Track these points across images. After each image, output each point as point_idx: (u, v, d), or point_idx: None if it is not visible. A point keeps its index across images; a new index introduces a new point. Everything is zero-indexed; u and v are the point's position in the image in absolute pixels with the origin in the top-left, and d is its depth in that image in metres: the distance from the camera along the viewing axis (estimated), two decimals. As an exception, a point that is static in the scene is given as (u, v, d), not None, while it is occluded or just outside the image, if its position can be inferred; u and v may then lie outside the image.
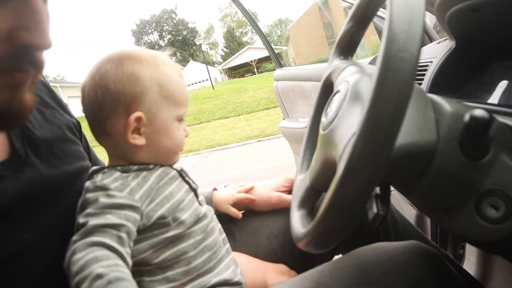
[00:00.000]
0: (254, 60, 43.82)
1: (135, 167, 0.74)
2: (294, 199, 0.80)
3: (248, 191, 0.99)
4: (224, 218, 1.01)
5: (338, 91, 0.70)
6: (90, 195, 0.66)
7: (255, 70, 43.66)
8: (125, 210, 0.66)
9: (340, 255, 0.91)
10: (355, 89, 0.64)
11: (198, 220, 0.76)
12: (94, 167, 0.76)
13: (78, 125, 0.87)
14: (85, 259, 0.55)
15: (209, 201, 0.93)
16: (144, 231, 0.70)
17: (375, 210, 0.58)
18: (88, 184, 0.69)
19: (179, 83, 0.76)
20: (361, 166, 0.45)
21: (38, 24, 0.50)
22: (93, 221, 0.62)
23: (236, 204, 0.98)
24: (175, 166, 0.83)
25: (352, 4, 1.55)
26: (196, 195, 0.80)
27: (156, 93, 0.72)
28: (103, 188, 0.67)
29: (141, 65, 0.72)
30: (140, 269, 0.71)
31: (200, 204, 0.80)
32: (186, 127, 0.80)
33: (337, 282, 0.67)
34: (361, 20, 0.77)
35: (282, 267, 0.91)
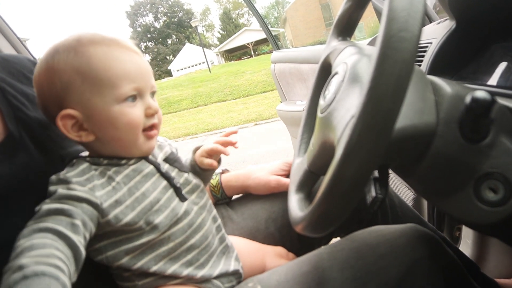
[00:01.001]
0: (251, 43, 43.40)
1: (105, 161, 0.69)
2: (292, 183, 0.79)
3: (228, 134, 0.87)
4: (222, 202, 1.01)
5: (336, 73, 0.68)
6: (51, 188, 0.63)
7: (252, 52, 43.28)
8: (83, 203, 0.62)
9: (338, 238, 0.91)
10: (354, 70, 0.63)
11: (177, 220, 0.71)
12: (71, 157, 0.72)
13: None
14: (22, 246, 0.51)
15: (193, 165, 0.84)
16: (113, 234, 0.67)
17: (373, 193, 0.58)
18: (53, 177, 0.65)
19: (108, 61, 0.64)
20: (360, 148, 0.45)
21: None
22: (46, 206, 0.59)
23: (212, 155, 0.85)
24: (161, 153, 0.78)
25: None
26: (177, 190, 0.74)
27: (78, 83, 0.63)
28: (65, 182, 0.64)
29: (57, 56, 0.64)
30: (127, 275, 0.70)
31: (182, 199, 0.74)
32: (151, 102, 0.69)
33: (334, 265, 0.67)
34: (359, 0, 0.75)
35: (280, 249, 0.91)
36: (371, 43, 1.32)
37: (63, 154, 0.74)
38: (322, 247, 0.76)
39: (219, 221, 0.83)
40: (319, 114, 0.69)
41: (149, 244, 0.69)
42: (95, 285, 0.72)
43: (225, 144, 0.83)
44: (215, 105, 11.75)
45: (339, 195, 0.50)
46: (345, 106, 0.59)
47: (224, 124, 8.00)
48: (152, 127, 0.71)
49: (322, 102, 0.69)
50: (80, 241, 0.57)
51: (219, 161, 0.86)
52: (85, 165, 0.68)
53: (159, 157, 0.78)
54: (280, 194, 0.96)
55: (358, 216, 0.92)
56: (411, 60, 0.40)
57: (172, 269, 0.71)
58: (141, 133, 0.69)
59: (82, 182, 0.65)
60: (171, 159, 0.79)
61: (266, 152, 4.70)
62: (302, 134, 0.88)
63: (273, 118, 7.08)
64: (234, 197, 1.05)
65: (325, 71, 0.83)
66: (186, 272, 0.72)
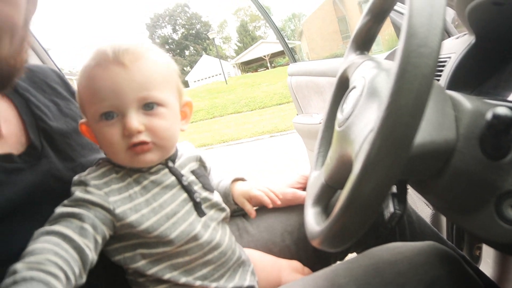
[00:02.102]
0: (268, 55, 43.66)
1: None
2: (309, 196, 0.79)
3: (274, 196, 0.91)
4: (238, 213, 1.01)
5: (354, 87, 0.68)
6: (72, 188, 0.67)
7: (268, 64, 43.51)
8: (96, 207, 0.64)
9: (354, 254, 0.90)
10: (372, 84, 0.63)
11: (195, 236, 0.71)
12: (99, 158, 0.76)
13: None
14: (26, 250, 0.54)
15: (227, 194, 0.89)
16: (133, 237, 0.68)
17: (391, 209, 0.57)
18: (75, 177, 0.68)
19: (88, 80, 0.67)
20: (378, 163, 0.45)
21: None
22: (60, 209, 0.62)
23: (252, 200, 0.94)
24: (189, 165, 0.79)
25: (368, -2, 1.51)
26: (196, 204, 0.74)
27: (80, 98, 0.71)
28: (83, 183, 0.66)
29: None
30: (142, 280, 0.71)
31: (200, 214, 0.74)
32: (127, 121, 0.65)
33: (351, 281, 0.66)
34: (378, 14, 0.76)
35: (296, 263, 0.90)
36: (389, 57, 1.32)
37: (83, 162, 0.76)
38: (338, 262, 0.75)
39: (233, 238, 0.83)
40: (336, 128, 0.69)
41: (165, 254, 0.70)
42: None
43: (270, 199, 0.87)
44: (231, 116, 11.82)
45: (357, 210, 0.49)
46: (363, 121, 0.59)
47: (240, 136, 8.02)
48: (137, 144, 0.67)
49: (339, 116, 0.69)
50: (87, 244, 0.59)
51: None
52: (107, 167, 0.70)
53: (186, 167, 0.78)
54: (296, 207, 0.96)
55: (375, 232, 0.90)
56: (430, 76, 0.40)
57: (186, 279, 0.71)
58: (124, 151, 0.67)
59: (100, 185, 0.67)
60: (197, 173, 0.79)
61: (282, 164, 4.69)
62: (319, 147, 0.88)
63: (289, 130, 7.07)
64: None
65: (343, 85, 0.83)
66: (199, 283, 0.72)
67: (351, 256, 0.79)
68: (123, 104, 0.65)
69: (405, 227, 0.93)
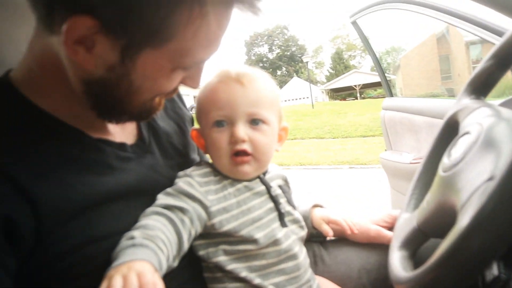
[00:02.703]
0: (358, 85, 42.91)
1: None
2: (396, 238, 0.75)
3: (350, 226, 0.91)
4: (316, 239, 0.99)
5: (467, 133, 0.65)
6: (176, 180, 0.75)
7: (358, 95, 42.71)
8: (195, 203, 0.71)
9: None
10: (489, 133, 0.58)
11: (275, 242, 0.75)
12: (200, 161, 0.84)
13: (192, 120, 0.95)
14: (140, 223, 0.63)
15: (306, 217, 0.91)
16: (218, 235, 0.74)
17: (495, 272, 0.52)
18: (180, 172, 0.77)
19: (209, 92, 0.79)
20: (494, 218, 0.41)
21: (199, 76, 0.68)
22: (166, 200, 0.69)
23: (330, 224, 0.93)
24: (276, 180, 0.83)
25: (479, 37, 1.42)
26: (281, 215, 0.79)
27: (198, 107, 0.82)
28: (189, 176, 0.75)
29: None
30: (220, 276, 0.74)
31: (283, 224, 0.78)
32: (235, 130, 0.76)
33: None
34: (503, 60, 0.71)
35: (369, 306, 0.86)
36: (505, 104, 1.22)
37: (181, 162, 0.82)
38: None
39: (308, 260, 0.83)
40: (440, 173, 0.65)
41: (245, 253, 0.74)
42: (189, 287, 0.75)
43: (349, 225, 0.88)
44: (313, 140, 11.76)
45: (459, 265, 0.46)
46: (476, 170, 0.55)
47: (319, 161, 7.92)
48: (240, 153, 0.75)
49: (446, 161, 0.65)
50: (185, 235, 0.67)
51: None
52: (208, 169, 0.78)
53: (274, 182, 0.83)
54: (378, 246, 0.91)
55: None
56: None
57: (260, 281, 0.73)
58: (228, 157, 0.76)
59: (201, 183, 0.75)
60: (283, 189, 0.83)
61: (359, 199, 4.52)
62: (414, 189, 0.83)
63: (370, 164, 6.81)
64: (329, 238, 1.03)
65: (451, 129, 0.79)
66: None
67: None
68: (235, 115, 0.75)
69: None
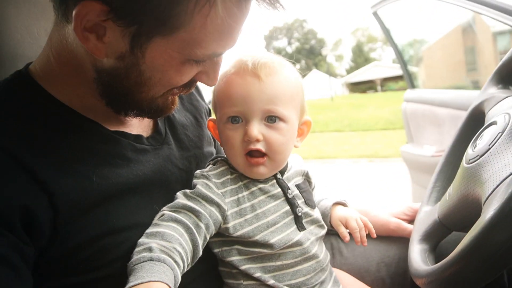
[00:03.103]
0: (379, 78, 42.16)
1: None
2: (416, 231, 0.74)
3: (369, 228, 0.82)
4: (334, 232, 0.98)
5: (493, 123, 0.62)
6: (194, 181, 0.73)
7: (379, 87, 42.01)
8: (213, 206, 0.69)
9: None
10: (518, 123, 0.56)
11: (291, 246, 0.72)
12: (217, 155, 0.81)
13: (209, 113, 0.94)
14: (157, 229, 0.62)
15: (326, 215, 0.85)
16: (229, 240, 0.72)
17: (522, 266, 0.50)
18: (197, 171, 0.75)
19: (224, 86, 0.74)
20: (522, 212, 0.39)
21: (216, 72, 0.67)
22: (184, 201, 0.68)
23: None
24: (295, 178, 0.80)
25: (508, 26, 1.37)
26: (297, 218, 0.75)
27: (214, 99, 0.79)
28: (206, 178, 0.72)
29: None
30: (234, 272, 0.73)
31: (300, 228, 0.74)
32: (249, 128, 0.71)
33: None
34: (534, 47, 0.68)
35: (388, 299, 0.84)
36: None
37: (197, 154, 0.81)
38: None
39: (329, 257, 0.81)
40: (464, 164, 0.63)
41: (260, 254, 0.72)
42: (205, 279, 0.75)
43: (361, 236, 0.79)
44: (331, 134, 11.64)
45: (482, 259, 0.44)
46: (502, 161, 0.52)
47: (337, 155, 7.85)
48: (254, 153, 0.71)
49: (470, 152, 0.63)
50: (200, 242, 0.66)
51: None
52: (224, 167, 0.75)
53: (293, 181, 0.80)
54: (398, 239, 0.90)
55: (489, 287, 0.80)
56: None
57: (274, 282, 0.71)
58: (242, 155, 0.72)
59: (218, 184, 0.72)
60: (301, 188, 0.80)
61: (376, 188, 4.46)
62: (435, 181, 0.81)
63: (390, 158, 6.70)
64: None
65: (476, 119, 0.76)
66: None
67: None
68: (250, 112, 0.71)
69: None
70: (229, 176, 0.74)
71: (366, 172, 5.91)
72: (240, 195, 0.73)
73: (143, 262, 0.56)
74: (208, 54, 0.60)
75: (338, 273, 0.85)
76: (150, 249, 0.58)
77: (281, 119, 0.72)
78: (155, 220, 0.64)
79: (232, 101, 0.72)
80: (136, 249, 0.59)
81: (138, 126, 0.74)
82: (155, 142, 0.74)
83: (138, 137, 0.71)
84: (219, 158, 0.78)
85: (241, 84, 0.71)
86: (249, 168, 0.73)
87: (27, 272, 0.53)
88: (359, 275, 0.89)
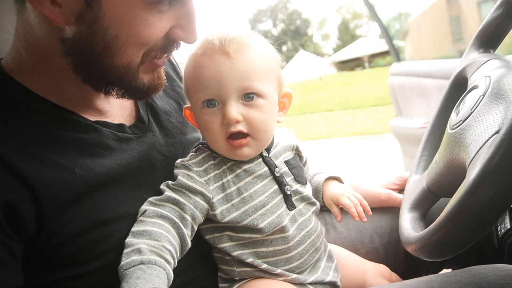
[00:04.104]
0: (367, 55, 42.06)
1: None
2: (406, 200, 0.74)
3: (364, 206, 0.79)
4: (327, 209, 0.99)
5: (475, 87, 0.62)
6: (175, 171, 0.71)
7: (367, 64, 41.95)
8: (197, 196, 0.68)
9: (450, 270, 0.83)
10: (499, 84, 0.56)
11: (282, 229, 0.71)
12: (198, 142, 0.78)
13: None
14: (143, 227, 0.61)
15: (318, 190, 0.84)
16: (220, 226, 0.71)
17: (508, 225, 0.51)
18: (178, 161, 0.73)
19: (194, 69, 0.71)
20: (503, 169, 0.40)
21: (191, 24, 0.62)
22: (168, 193, 0.67)
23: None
24: (284, 154, 0.77)
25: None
26: (286, 197, 0.73)
27: (186, 84, 0.76)
28: (187, 168, 0.70)
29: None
30: (228, 259, 0.73)
31: (290, 207, 0.73)
32: (226, 111, 0.67)
33: (446, 296, 0.61)
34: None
35: (383, 268, 0.85)
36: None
37: (182, 140, 0.81)
38: (432, 275, 0.69)
39: (324, 232, 0.81)
40: (448, 130, 0.63)
41: (252, 239, 0.71)
42: (199, 266, 0.75)
43: (358, 213, 0.77)
44: (323, 114, 11.66)
45: (468, 219, 0.45)
46: (484, 123, 0.53)
47: (330, 134, 7.88)
48: (235, 135, 0.68)
49: (454, 118, 0.63)
50: (187, 234, 0.65)
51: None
52: (206, 153, 0.73)
53: (281, 157, 0.77)
54: (390, 209, 0.91)
55: (479, 250, 0.82)
56: None
57: (266, 266, 0.72)
58: (223, 139, 0.69)
59: (200, 172, 0.70)
60: (291, 164, 0.78)
61: (371, 170, 4.50)
62: (423, 150, 0.82)
63: (382, 134, 6.74)
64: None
65: (459, 85, 0.76)
66: (279, 271, 0.72)
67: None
68: (225, 93, 0.67)
69: (517, 250, 0.83)
70: (211, 162, 0.72)
71: (359, 150, 5.95)
72: (224, 180, 0.71)
73: (134, 266, 0.55)
74: None
75: (333, 247, 0.86)
76: (139, 251, 0.57)
77: (259, 95, 0.69)
78: (140, 217, 0.63)
79: (203, 84, 0.68)
80: (125, 251, 0.58)
81: (120, 115, 0.73)
82: (138, 130, 0.73)
83: (120, 126, 0.70)
84: (200, 145, 0.76)
85: (210, 65, 0.67)
86: (232, 151, 0.70)
87: (17, 268, 0.52)
88: (354, 248, 0.90)
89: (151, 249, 0.58)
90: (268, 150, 0.76)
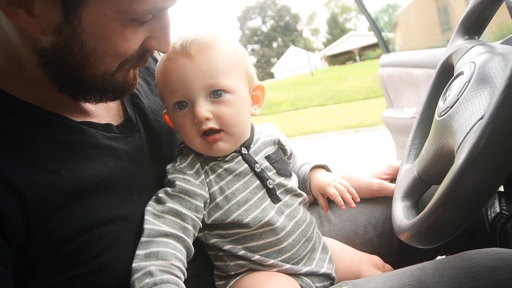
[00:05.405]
0: (357, 48, 42.19)
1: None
2: (398, 189, 0.75)
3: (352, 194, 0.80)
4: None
5: (461, 73, 0.62)
6: (170, 177, 0.71)
7: (358, 57, 42.07)
8: (197, 199, 0.69)
9: (444, 256, 0.83)
10: (483, 70, 0.56)
11: (268, 222, 0.72)
12: (180, 143, 0.78)
13: None
14: (150, 249, 0.61)
15: (305, 181, 0.85)
16: (209, 224, 0.72)
17: (497, 209, 0.52)
18: (168, 166, 0.73)
19: (159, 74, 0.73)
20: (488, 153, 0.40)
21: (165, 35, 0.63)
22: (170, 204, 0.67)
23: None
24: (264, 150, 0.78)
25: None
26: (269, 191, 0.74)
27: (158, 90, 0.78)
28: (181, 172, 0.71)
29: None
30: (221, 254, 0.74)
31: (274, 201, 0.74)
32: (196, 110, 0.69)
33: (440, 282, 0.61)
34: (495, -6, 0.68)
35: (376, 259, 0.86)
36: (507, 42, 1.18)
37: (169, 139, 0.80)
38: (426, 262, 0.70)
39: (315, 222, 0.82)
40: (436, 118, 0.64)
41: (241, 235, 0.72)
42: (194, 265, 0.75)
43: (345, 200, 0.78)
44: (315, 109, 11.68)
45: (458, 204, 0.45)
46: (470, 109, 0.53)
47: (323, 129, 7.90)
48: (208, 132, 0.70)
49: (441, 105, 0.63)
50: (191, 242, 0.67)
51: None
52: (192, 155, 0.74)
53: (261, 153, 0.78)
54: (382, 199, 0.91)
55: (471, 235, 0.83)
56: None
57: (259, 257, 0.72)
58: (198, 138, 0.70)
59: (194, 175, 0.72)
60: (272, 158, 0.78)
61: (366, 162, 4.52)
62: (413, 139, 0.82)
63: (375, 126, 6.77)
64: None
65: (446, 73, 0.76)
66: (272, 261, 0.73)
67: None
68: (192, 93, 0.69)
69: (509, 233, 0.84)
70: (198, 165, 0.73)
71: (353, 143, 5.97)
72: (207, 180, 0.72)
73: None
74: (149, 8, 0.55)
75: (327, 240, 0.87)
76: (150, 274, 0.58)
77: (226, 91, 0.70)
78: (144, 238, 0.63)
79: (171, 87, 0.70)
80: (136, 276, 0.58)
81: (106, 115, 0.72)
82: (125, 130, 0.72)
83: (107, 126, 0.69)
84: (182, 145, 0.76)
85: (174, 68, 0.69)
86: (209, 147, 0.71)
87: (7, 275, 0.51)
88: (348, 239, 0.91)
89: (161, 269, 0.59)
90: (248, 147, 0.77)
